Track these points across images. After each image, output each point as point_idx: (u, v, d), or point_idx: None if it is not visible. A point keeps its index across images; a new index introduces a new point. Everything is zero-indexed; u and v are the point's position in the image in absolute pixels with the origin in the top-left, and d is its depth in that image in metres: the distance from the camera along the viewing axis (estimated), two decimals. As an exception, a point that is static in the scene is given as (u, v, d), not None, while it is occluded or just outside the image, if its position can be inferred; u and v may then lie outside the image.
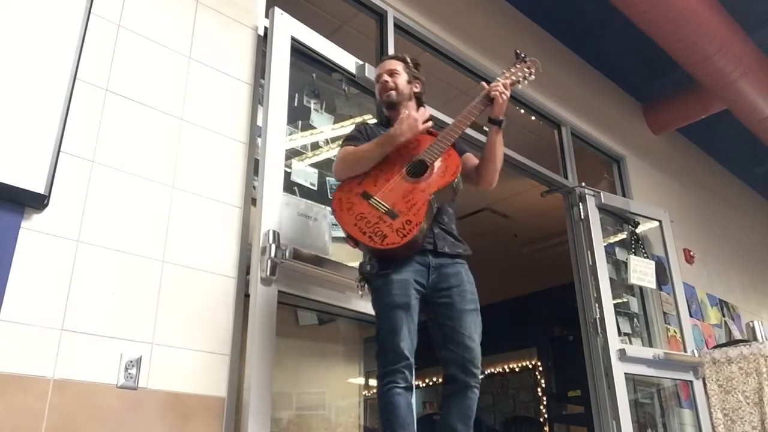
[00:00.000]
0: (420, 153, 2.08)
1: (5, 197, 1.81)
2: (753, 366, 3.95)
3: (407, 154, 2.09)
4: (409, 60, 2.36)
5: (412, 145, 2.10)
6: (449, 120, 3.40)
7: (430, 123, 2.13)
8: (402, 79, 2.29)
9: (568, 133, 4.48)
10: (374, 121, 3.11)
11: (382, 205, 1.97)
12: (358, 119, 3.09)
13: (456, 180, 2.06)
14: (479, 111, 2.17)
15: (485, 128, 2.20)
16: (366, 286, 2.04)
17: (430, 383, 8.32)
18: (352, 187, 2.06)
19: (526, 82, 2.29)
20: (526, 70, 2.29)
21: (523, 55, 2.33)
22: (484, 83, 2.21)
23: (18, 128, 1.88)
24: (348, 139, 2.23)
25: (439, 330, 2.01)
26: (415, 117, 2.09)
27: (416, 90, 2.32)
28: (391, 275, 1.95)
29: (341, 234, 2.73)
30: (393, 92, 2.26)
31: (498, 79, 2.22)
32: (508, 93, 2.18)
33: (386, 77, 2.29)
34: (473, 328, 1.99)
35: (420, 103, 2.33)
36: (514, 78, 2.27)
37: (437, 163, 2.05)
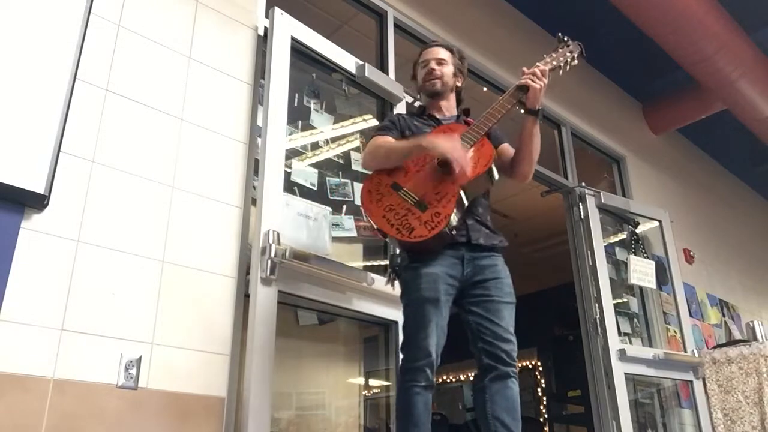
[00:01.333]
0: None
1: (5, 197, 1.81)
2: (753, 366, 3.95)
3: None
4: (455, 50, 2.28)
5: (446, 134, 2.02)
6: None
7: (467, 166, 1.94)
8: (449, 69, 2.21)
9: (568, 133, 4.48)
10: (375, 122, 3.12)
11: (412, 196, 1.92)
12: (358, 119, 3.09)
13: (490, 171, 1.99)
14: (515, 99, 2.02)
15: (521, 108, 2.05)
16: (396, 278, 2.01)
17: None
18: (382, 178, 2.00)
19: (567, 68, 2.13)
20: (568, 54, 2.14)
21: (565, 39, 2.17)
22: (524, 68, 2.06)
23: (18, 128, 1.88)
24: (380, 129, 2.16)
25: (474, 322, 1.95)
26: (459, 149, 1.90)
27: (458, 84, 2.25)
28: (420, 269, 1.90)
29: (341, 234, 2.75)
30: (438, 81, 2.18)
31: (537, 64, 2.07)
32: (545, 81, 2.02)
33: (434, 64, 2.20)
34: (510, 321, 1.95)
35: (459, 98, 2.27)
36: (555, 63, 2.11)
37: (469, 154, 1.95)
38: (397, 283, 2.03)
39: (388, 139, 2.08)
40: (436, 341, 1.86)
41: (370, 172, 2.09)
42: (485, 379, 1.90)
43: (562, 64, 2.13)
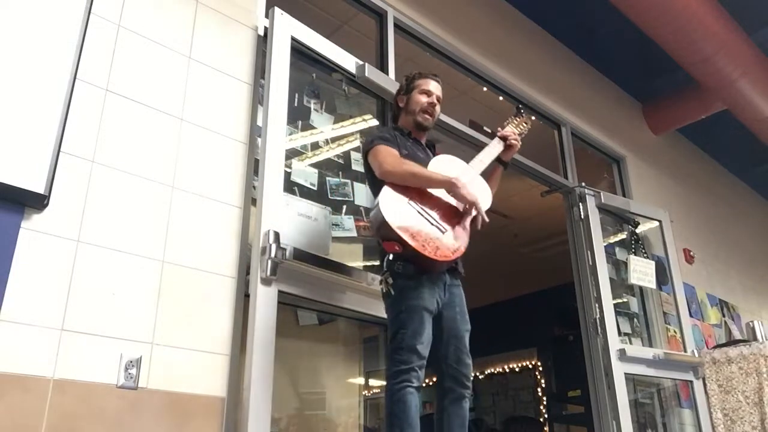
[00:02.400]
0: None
1: (5, 197, 1.81)
2: (753, 366, 3.95)
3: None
4: None
5: (471, 183, 2.20)
6: (449, 120, 3.41)
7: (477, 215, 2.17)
8: (437, 110, 2.42)
9: (568, 133, 4.48)
10: (375, 121, 3.12)
11: (432, 217, 2.06)
12: (358, 119, 3.09)
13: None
14: (500, 148, 2.41)
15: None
16: (388, 284, 2.08)
17: (431, 383, 8.31)
18: (399, 191, 2.09)
19: (523, 135, 2.53)
20: (524, 125, 2.53)
21: (522, 110, 2.61)
22: (499, 129, 2.47)
23: (18, 128, 1.88)
24: (383, 139, 2.23)
25: (441, 345, 2.13)
26: (479, 204, 2.12)
27: None
28: (423, 281, 2.04)
29: (341, 234, 2.75)
30: (431, 119, 2.38)
31: (512, 129, 2.47)
32: (520, 143, 2.46)
33: (434, 100, 2.39)
34: (468, 346, 2.16)
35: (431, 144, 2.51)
36: (520, 129, 2.51)
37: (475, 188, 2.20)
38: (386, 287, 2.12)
39: (396, 152, 2.18)
40: (427, 348, 2.01)
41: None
42: (445, 399, 2.12)
43: (524, 132, 2.53)
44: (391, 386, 1.97)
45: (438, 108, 2.40)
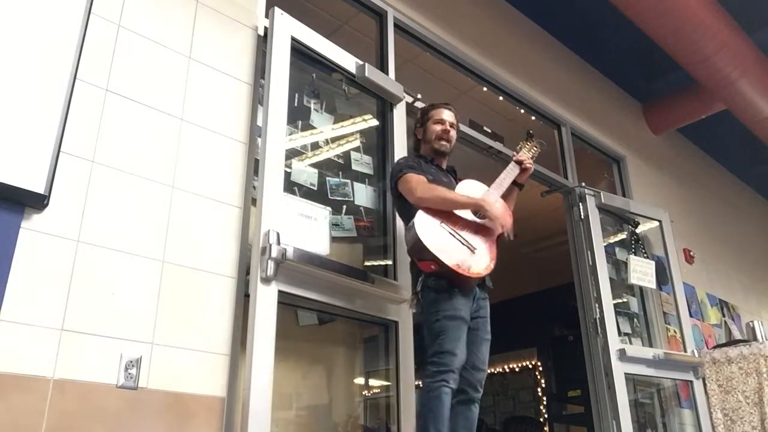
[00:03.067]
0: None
1: (5, 197, 1.81)
2: (753, 366, 3.95)
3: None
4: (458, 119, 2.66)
5: (498, 203, 2.40)
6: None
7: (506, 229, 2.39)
8: (455, 134, 2.58)
9: (568, 133, 4.48)
10: (375, 122, 3.12)
11: (462, 237, 2.24)
12: (358, 119, 3.09)
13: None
14: (516, 171, 2.53)
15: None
16: (421, 297, 2.25)
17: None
18: (431, 214, 2.25)
19: (535, 157, 2.65)
20: (535, 148, 2.64)
21: (533, 135, 2.70)
22: (515, 153, 2.59)
23: (18, 128, 1.88)
24: (411, 168, 2.40)
25: None
26: (508, 219, 2.38)
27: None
28: (458, 294, 2.20)
29: (341, 234, 2.75)
30: (449, 145, 2.55)
31: (526, 155, 2.58)
32: (533, 167, 2.58)
33: (449, 127, 2.55)
34: (486, 354, 2.30)
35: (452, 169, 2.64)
36: (533, 152, 2.63)
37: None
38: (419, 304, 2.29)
39: (424, 179, 2.36)
40: (464, 356, 2.16)
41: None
42: (455, 399, 2.16)
43: (536, 155, 2.64)
44: (429, 384, 2.09)
45: (453, 133, 2.56)
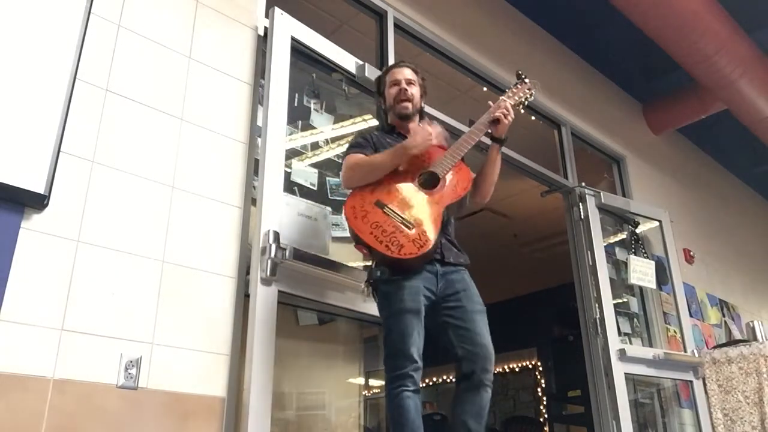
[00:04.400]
0: (431, 165, 2.12)
1: (5, 197, 1.81)
2: (753, 366, 3.95)
3: (418, 165, 2.13)
4: (419, 71, 2.38)
5: (422, 156, 2.14)
6: (449, 120, 3.41)
7: (441, 138, 2.16)
8: (417, 91, 2.32)
9: (568, 133, 4.48)
10: (375, 122, 3.12)
11: (397, 214, 2.01)
12: (358, 119, 3.09)
13: (466, 194, 2.15)
14: (486, 128, 2.22)
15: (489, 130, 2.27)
16: (373, 291, 2.09)
17: (430, 383, 8.31)
18: (365, 195, 2.07)
19: (526, 102, 2.34)
20: (527, 91, 2.34)
21: (523, 76, 2.37)
22: (490, 102, 2.25)
23: (18, 128, 1.88)
24: (353, 147, 2.23)
25: (453, 332, 2.05)
26: (429, 131, 2.10)
27: (422, 104, 2.37)
28: (402, 281, 1.99)
29: (341, 234, 2.75)
30: (409, 104, 2.29)
31: (503, 98, 2.26)
32: (512, 114, 2.23)
33: (405, 85, 2.30)
34: (483, 327, 2.06)
35: (422, 115, 2.37)
36: (516, 99, 2.31)
37: (449, 177, 2.12)
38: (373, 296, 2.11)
39: (362, 157, 2.15)
40: (419, 348, 1.96)
41: (349, 191, 2.15)
42: (461, 383, 2.01)
43: (523, 101, 2.33)
44: (389, 392, 1.96)
45: (414, 90, 2.30)
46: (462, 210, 2.24)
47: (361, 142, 2.23)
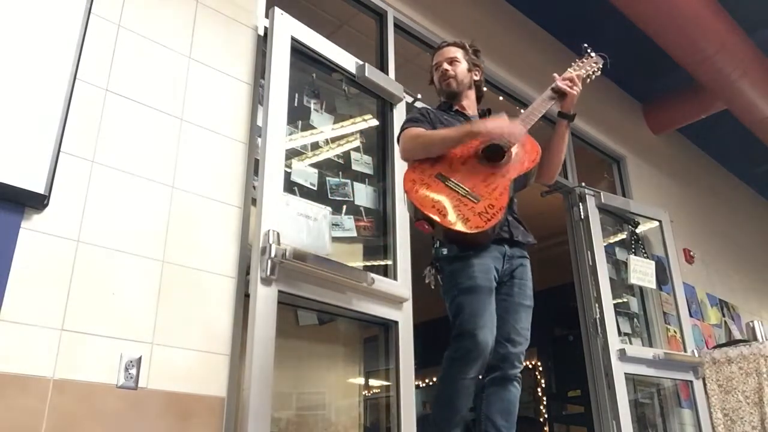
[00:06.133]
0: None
1: (5, 197, 1.81)
2: (753, 366, 3.95)
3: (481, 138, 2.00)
4: (468, 46, 2.29)
5: (490, 118, 2.05)
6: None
7: (516, 137, 1.98)
8: (462, 67, 2.22)
9: (569, 134, 4.47)
10: (375, 122, 3.12)
11: (462, 187, 1.89)
12: (358, 119, 3.09)
13: (531, 169, 2.03)
14: (551, 100, 2.10)
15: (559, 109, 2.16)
16: (437, 273, 1.98)
17: (430, 383, 8.30)
18: (425, 169, 1.95)
19: (593, 77, 2.23)
20: (593, 65, 2.23)
21: (589, 50, 2.27)
22: (555, 75, 2.14)
23: (18, 128, 1.88)
24: (410, 121, 2.13)
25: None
26: (506, 124, 1.94)
27: (476, 78, 2.27)
28: (472, 258, 1.88)
29: (341, 234, 2.75)
30: (453, 81, 2.20)
31: (569, 71, 2.15)
32: (579, 86, 2.12)
33: (446, 65, 2.21)
34: (525, 324, 1.98)
35: (480, 92, 2.29)
36: (583, 72, 2.19)
37: (514, 149, 1.99)
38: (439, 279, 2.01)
39: (419, 131, 2.05)
40: (492, 332, 1.84)
41: (407, 163, 2.05)
42: (488, 377, 1.91)
43: (590, 74, 2.22)
44: (449, 372, 1.85)
45: (455, 68, 2.20)
46: (527, 185, 2.12)
47: (419, 117, 2.14)
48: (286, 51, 2.64)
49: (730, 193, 6.40)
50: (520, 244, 2.03)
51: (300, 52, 2.77)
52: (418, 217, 1.87)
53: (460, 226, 1.81)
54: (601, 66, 2.24)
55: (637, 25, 3.88)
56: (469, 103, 2.24)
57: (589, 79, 2.22)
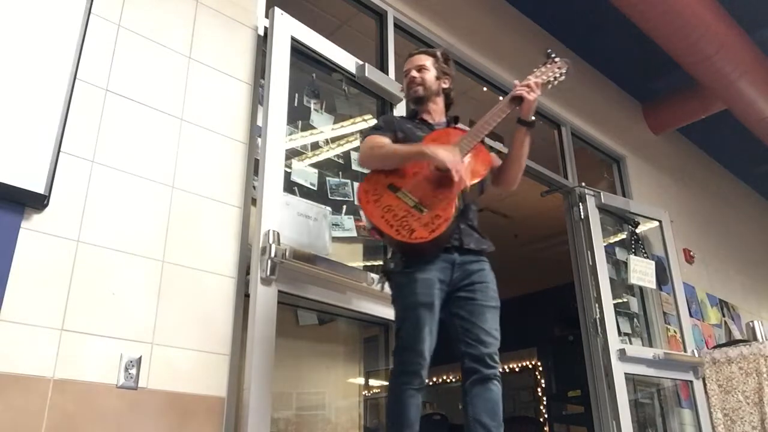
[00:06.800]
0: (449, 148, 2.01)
1: (5, 197, 1.81)
2: (753, 366, 3.95)
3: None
4: (439, 54, 2.32)
5: (441, 140, 2.07)
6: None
7: (464, 175, 1.99)
8: (430, 74, 2.25)
9: (568, 133, 4.48)
10: (375, 122, 3.12)
11: (410, 198, 1.96)
12: (358, 119, 3.09)
13: (486, 178, 2.07)
14: (509, 109, 2.11)
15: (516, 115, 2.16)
16: (386, 283, 2.05)
17: (430, 383, 8.30)
18: (379, 179, 2.03)
19: (556, 83, 2.22)
20: (556, 70, 2.23)
21: (553, 55, 2.26)
22: (516, 81, 2.15)
23: (18, 128, 1.88)
24: (374, 129, 2.20)
25: (458, 325, 1.99)
26: (459, 161, 1.95)
27: (445, 86, 2.29)
28: (415, 273, 1.93)
29: (341, 234, 2.75)
30: (420, 88, 2.23)
31: (528, 77, 2.16)
32: (537, 92, 2.11)
33: (414, 72, 2.25)
34: (493, 324, 1.99)
35: (449, 99, 2.31)
36: (544, 78, 2.19)
37: (467, 159, 2.03)
38: (387, 287, 2.07)
39: (384, 140, 2.11)
40: (430, 344, 1.91)
41: (366, 171, 2.13)
42: (467, 381, 1.95)
43: (551, 80, 2.21)
44: (392, 384, 1.93)
45: (423, 75, 2.23)
46: (483, 192, 2.14)
47: (381, 125, 2.21)
48: (286, 51, 2.64)
49: (730, 193, 6.40)
50: (473, 251, 2.04)
51: (300, 52, 2.77)
52: (369, 225, 1.97)
53: (404, 237, 1.88)
54: (564, 72, 2.23)
55: (637, 25, 3.88)
56: (437, 109, 2.26)
57: (550, 85, 2.22)
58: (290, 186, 2.60)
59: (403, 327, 1.94)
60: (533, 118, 2.12)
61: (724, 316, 5.26)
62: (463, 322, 1.97)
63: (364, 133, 2.22)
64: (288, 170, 2.59)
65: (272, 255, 2.24)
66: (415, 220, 1.90)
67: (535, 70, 2.21)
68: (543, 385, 8.06)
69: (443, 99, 2.30)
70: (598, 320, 3.77)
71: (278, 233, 2.29)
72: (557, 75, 2.22)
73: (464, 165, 1.98)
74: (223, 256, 2.29)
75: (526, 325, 7.87)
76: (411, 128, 2.18)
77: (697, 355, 4.12)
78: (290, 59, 2.65)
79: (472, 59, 3.86)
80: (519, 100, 2.10)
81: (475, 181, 2.03)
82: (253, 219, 2.37)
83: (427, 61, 2.28)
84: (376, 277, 2.54)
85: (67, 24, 2.05)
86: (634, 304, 4.34)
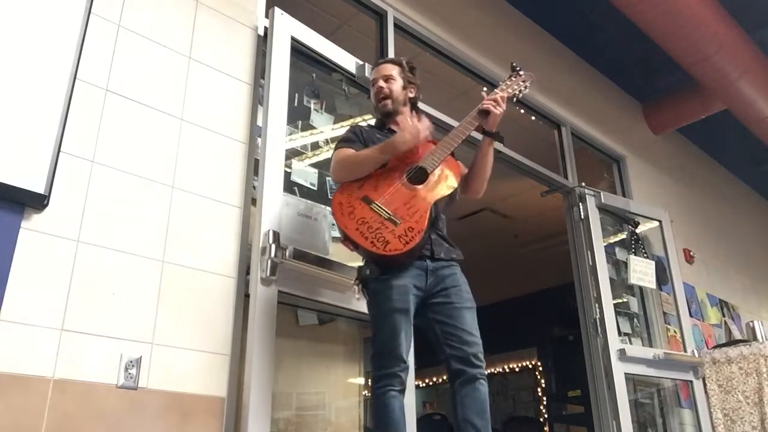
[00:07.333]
0: (420, 160, 2.10)
1: (5, 197, 1.81)
2: (753, 366, 3.95)
3: (407, 160, 2.11)
4: (405, 64, 2.36)
5: (411, 151, 2.12)
6: (449, 120, 3.41)
7: (429, 132, 2.13)
8: (397, 85, 2.30)
9: (568, 133, 4.48)
10: (373, 121, 3.12)
11: (384, 210, 1.99)
12: (358, 119, 3.09)
13: (455, 189, 2.12)
14: (477, 122, 2.19)
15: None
16: (363, 289, 2.07)
17: (430, 383, 8.31)
18: (353, 191, 2.06)
19: (521, 95, 2.32)
20: (521, 83, 2.32)
21: (518, 69, 2.35)
22: (484, 93, 2.23)
23: (18, 128, 1.88)
24: (343, 141, 2.23)
25: (439, 329, 2.03)
26: (418, 127, 2.08)
27: (411, 95, 2.34)
28: (391, 280, 1.97)
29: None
30: (388, 101, 2.28)
31: (495, 91, 2.25)
32: (503, 106, 2.20)
33: (381, 83, 2.30)
34: (472, 324, 2.03)
35: (415, 108, 2.35)
36: (510, 91, 2.28)
37: (437, 171, 2.10)
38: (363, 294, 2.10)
39: (352, 152, 2.14)
40: (407, 348, 1.96)
41: (337, 185, 2.15)
42: (456, 383, 1.98)
43: (517, 93, 2.31)
44: (374, 390, 1.96)
45: (390, 85, 2.28)
46: (452, 205, 2.22)
47: (350, 137, 2.23)
48: (286, 51, 2.64)
49: (730, 193, 6.40)
50: (442, 259, 2.09)
51: (300, 52, 2.77)
52: (343, 237, 1.99)
53: (379, 249, 1.92)
54: (528, 84, 2.32)
55: (637, 25, 3.88)
56: (404, 119, 2.27)
57: (515, 98, 2.31)
58: (290, 186, 2.61)
59: (379, 333, 1.98)
60: (496, 130, 2.20)
61: (724, 316, 5.26)
62: (443, 326, 2.01)
63: (335, 146, 2.24)
64: (288, 170, 2.59)
65: (272, 255, 2.24)
66: (389, 232, 1.94)
67: (501, 83, 2.30)
68: (543, 385, 8.06)
69: (409, 108, 2.34)
70: (598, 320, 3.77)
71: (278, 233, 2.29)
72: (522, 88, 2.32)
73: (423, 125, 2.07)
74: (223, 256, 2.29)
75: (526, 325, 7.88)
76: (380, 138, 2.21)
77: (697, 355, 4.12)
78: (290, 59, 2.65)
79: (472, 59, 3.86)
80: (486, 113, 2.18)
81: (449, 192, 2.09)
82: (253, 219, 2.37)
83: (394, 70, 2.32)
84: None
85: (67, 24, 2.05)
86: (634, 304, 4.34)
